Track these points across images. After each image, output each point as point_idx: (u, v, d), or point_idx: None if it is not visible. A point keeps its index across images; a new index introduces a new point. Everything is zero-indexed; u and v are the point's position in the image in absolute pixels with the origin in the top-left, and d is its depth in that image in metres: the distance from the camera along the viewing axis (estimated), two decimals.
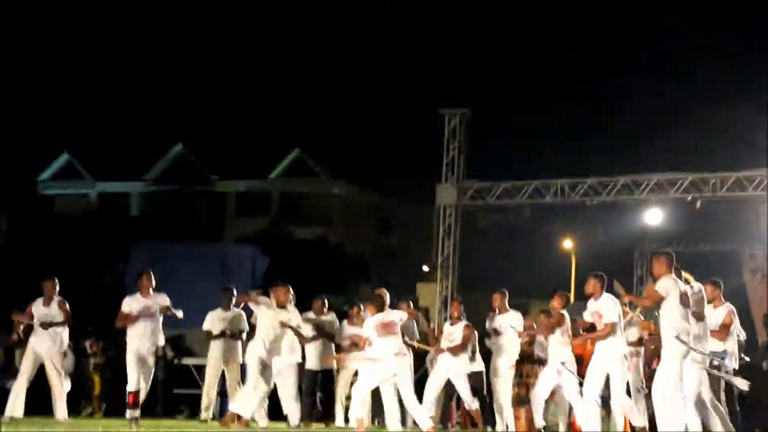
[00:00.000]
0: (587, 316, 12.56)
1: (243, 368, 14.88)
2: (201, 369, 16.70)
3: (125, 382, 13.73)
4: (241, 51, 54.20)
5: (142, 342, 13.65)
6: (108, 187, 51.21)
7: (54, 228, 35.49)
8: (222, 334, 15.26)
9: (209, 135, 50.73)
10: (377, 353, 12.58)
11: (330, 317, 15.25)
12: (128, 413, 13.64)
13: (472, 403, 14.55)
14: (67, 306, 14.20)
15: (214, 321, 15.37)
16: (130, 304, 13.83)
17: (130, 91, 51.87)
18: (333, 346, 15.28)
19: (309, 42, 57.33)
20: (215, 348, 15.38)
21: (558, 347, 12.93)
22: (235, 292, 15.50)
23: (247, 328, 15.33)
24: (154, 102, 51.64)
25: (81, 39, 51.85)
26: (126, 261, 20.32)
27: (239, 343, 15.37)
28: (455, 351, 14.44)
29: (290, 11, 56.96)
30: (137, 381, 13.64)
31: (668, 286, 11.14)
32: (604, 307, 12.22)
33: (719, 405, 12.14)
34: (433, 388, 14.64)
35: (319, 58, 56.21)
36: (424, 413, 12.74)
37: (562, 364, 12.81)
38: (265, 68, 54.65)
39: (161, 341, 13.89)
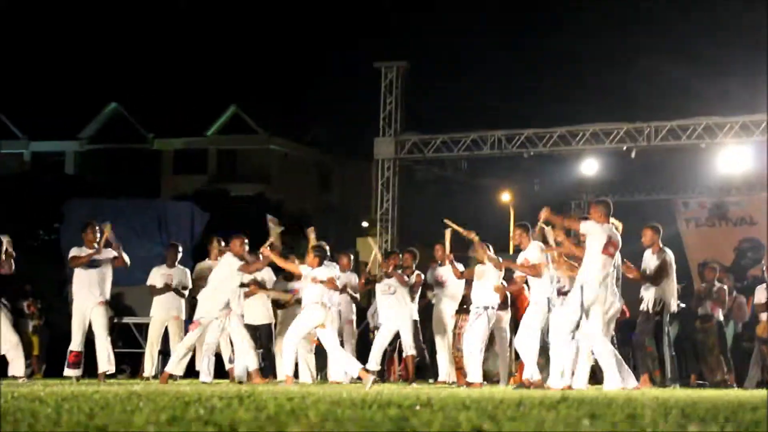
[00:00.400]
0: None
1: (185, 325, 14.82)
2: (141, 327, 16.58)
3: (67, 343, 13.59)
4: (177, 7, 53.61)
5: (86, 298, 13.50)
6: (42, 147, 50.62)
7: None
8: (166, 288, 15.14)
9: (145, 93, 50.26)
10: (305, 300, 12.78)
11: (266, 272, 15.12)
12: (67, 371, 13.49)
13: (410, 350, 14.62)
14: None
15: (157, 277, 15.25)
16: (77, 252, 13.68)
17: (64, 49, 51.19)
18: (269, 301, 15.23)
19: None
20: (158, 305, 15.24)
21: (482, 292, 13.00)
22: (180, 249, 15.40)
23: (190, 284, 15.24)
24: (88, 60, 51.01)
25: None
26: (61, 219, 20.04)
27: (183, 300, 15.27)
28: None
29: None
30: (80, 341, 13.52)
31: (592, 229, 11.39)
32: (531, 254, 12.35)
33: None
34: (382, 337, 14.79)
35: (256, 13, 55.75)
36: (353, 360, 12.88)
37: (485, 308, 12.92)
38: (201, 25, 54.14)
39: (107, 294, 13.72)
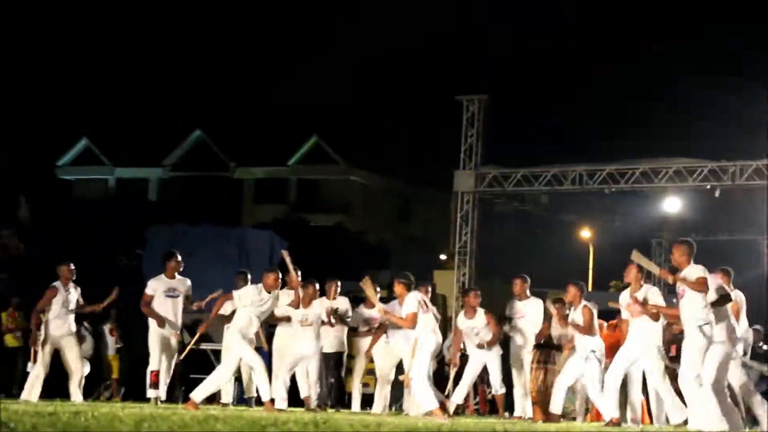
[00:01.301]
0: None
1: (260, 352, 14.86)
2: (219, 354, 16.67)
3: (145, 366, 13.77)
4: (262, 37, 54.26)
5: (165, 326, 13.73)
6: (127, 173, 51.41)
7: (73, 213, 35.58)
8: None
9: (228, 121, 50.83)
10: (420, 329, 12.56)
11: (343, 301, 15.12)
12: (149, 392, 13.69)
13: (500, 388, 14.57)
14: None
15: (228, 306, 15.21)
16: (154, 287, 13.87)
17: (149, 76, 52.01)
18: (345, 330, 15.21)
19: (329, 28, 57.28)
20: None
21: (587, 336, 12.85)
22: (249, 276, 15.36)
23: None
24: (173, 88, 51.76)
25: (102, 24, 52.01)
26: (143, 245, 20.32)
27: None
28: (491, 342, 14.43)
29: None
30: (158, 360, 13.71)
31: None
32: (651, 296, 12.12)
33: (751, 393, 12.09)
34: (472, 373, 14.65)
35: (339, 45, 56.19)
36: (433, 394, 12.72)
37: (592, 352, 12.78)
38: (286, 56, 54.70)
39: (179, 324, 13.93)
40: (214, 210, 43.90)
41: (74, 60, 50.17)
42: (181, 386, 18.25)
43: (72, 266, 14.17)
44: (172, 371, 13.94)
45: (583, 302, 12.88)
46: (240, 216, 48.25)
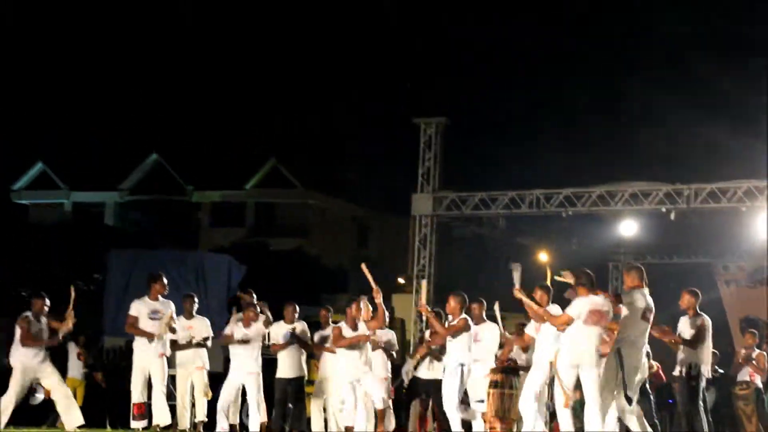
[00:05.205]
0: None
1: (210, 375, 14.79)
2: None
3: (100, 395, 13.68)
4: (217, 61, 54.17)
5: (149, 349, 13.62)
6: (83, 197, 51.02)
7: (29, 237, 35.29)
8: (188, 345, 14.72)
9: (184, 145, 50.63)
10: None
11: (301, 324, 15.04)
12: (133, 423, 13.60)
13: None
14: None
15: (179, 330, 15.02)
16: (138, 308, 13.77)
17: (104, 100, 51.76)
18: (304, 355, 15.13)
19: (284, 52, 57.34)
20: (181, 357, 15.06)
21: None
22: (196, 300, 15.18)
23: (212, 334, 15.01)
24: (129, 111, 51.53)
25: (55, 47, 51.72)
26: (101, 270, 20.20)
27: (204, 350, 15.08)
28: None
29: (265, 21, 56.98)
30: (141, 392, 13.61)
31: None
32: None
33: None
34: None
35: (295, 69, 56.22)
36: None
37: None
38: (240, 78, 54.63)
39: (167, 348, 13.85)
40: (172, 234, 43.70)
41: (28, 82, 49.86)
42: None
43: (47, 301, 13.90)
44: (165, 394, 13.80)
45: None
46: (198, 240, 48.03)
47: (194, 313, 14.93)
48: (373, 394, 13.25)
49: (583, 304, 11.28)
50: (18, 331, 13.65)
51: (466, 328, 13.38)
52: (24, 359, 13.67)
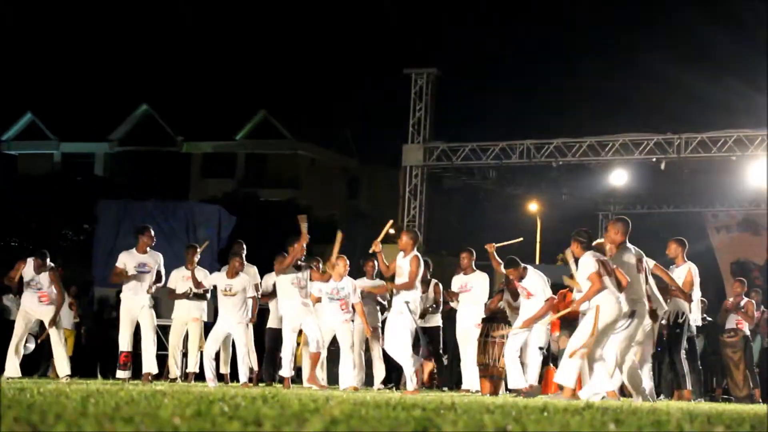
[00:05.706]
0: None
1: (206, 326, 14.78)
2: (166, 330, 16.55)
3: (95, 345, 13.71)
4: (207, 12, 53.86)
5: (135, 300, 13.65)
6: (72, 148, 50.90)
7: (18, 188, 35.22)
8: (184, 295, 14.78)
9: (175, 96, 50.48)
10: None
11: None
12: (119, 373, 13.62)
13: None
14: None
15: (177, 280, 15.06)
16: (125, 261, 13.77)
17: (95, 51, 51.50)
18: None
19: (275, 2, 56.99)
20: (179, 306, 15.07)
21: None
22: (198, 251, 15.15)
23: (210, 286, 15.01)
24: (119, 62, 51.29)
25: None
26: (90, 220, 20.15)
27: (203, 302, 15.12)
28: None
29: None
30: (129, 341, 13.63)
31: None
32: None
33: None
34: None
35: (286, 19, 55.93)
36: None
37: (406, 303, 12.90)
38: (231, 29, 54.34)
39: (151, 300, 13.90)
40: (162, 185, 43.67)
41: (19, 33, 49.56)
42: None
43: (41, 260, 13.88)
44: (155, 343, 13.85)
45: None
46: (188, 191, 48.00)
47: (196, 264, 14.94)
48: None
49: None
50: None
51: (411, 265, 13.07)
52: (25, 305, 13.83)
